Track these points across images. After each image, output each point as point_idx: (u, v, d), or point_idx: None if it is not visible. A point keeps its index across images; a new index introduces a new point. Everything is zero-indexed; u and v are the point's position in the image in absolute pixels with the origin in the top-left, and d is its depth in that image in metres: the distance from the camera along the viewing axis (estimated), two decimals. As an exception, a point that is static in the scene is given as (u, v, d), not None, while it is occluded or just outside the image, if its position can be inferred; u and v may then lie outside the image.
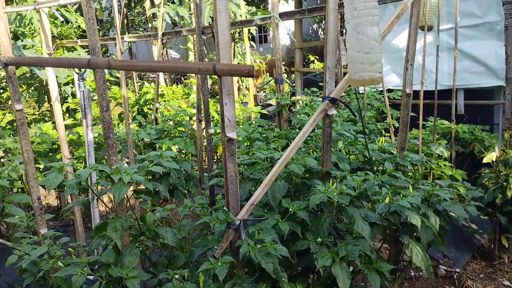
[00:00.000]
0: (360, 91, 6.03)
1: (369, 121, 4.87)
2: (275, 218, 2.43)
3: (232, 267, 2.35)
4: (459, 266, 4.78)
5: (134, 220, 2.84)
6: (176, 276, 2.38)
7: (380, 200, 2.53)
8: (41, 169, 5.04)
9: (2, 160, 4.74)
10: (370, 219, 2.52)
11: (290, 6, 13.43)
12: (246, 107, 7.17)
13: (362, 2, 2.18)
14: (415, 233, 2.89)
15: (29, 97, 6.56)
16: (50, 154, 5.10)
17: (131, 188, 3.00)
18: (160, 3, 5.32)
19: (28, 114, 6.58)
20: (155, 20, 7.57)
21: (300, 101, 5.46)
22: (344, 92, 5.40)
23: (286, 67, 14.62)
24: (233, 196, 2.32)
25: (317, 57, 13.26)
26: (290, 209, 2.43)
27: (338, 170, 2.84)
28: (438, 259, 4.92)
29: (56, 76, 5.61)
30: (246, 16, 6.50)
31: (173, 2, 6.54)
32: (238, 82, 10.91)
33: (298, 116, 3.86)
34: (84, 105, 3.83)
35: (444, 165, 4.68)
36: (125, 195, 2.71)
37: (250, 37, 13.72)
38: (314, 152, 3.05)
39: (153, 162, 2.89)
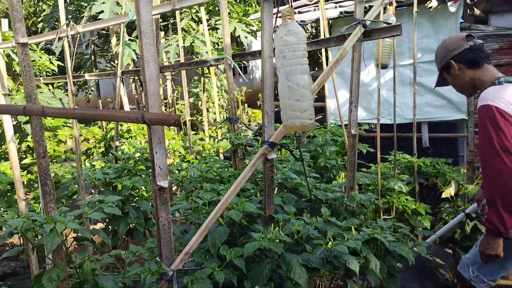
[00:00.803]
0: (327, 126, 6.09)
1: (331, 156, 4.89)
2: (212, 266, 2.38)
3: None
4: (422, 303, 4.74)
5: (73, 268, 2.75)
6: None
7: (322, 245, 2.51)
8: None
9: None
10: (311, 264, 2.49)
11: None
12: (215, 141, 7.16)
13: (291, 52, 2.21)
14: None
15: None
16: (8, 194, 4.99)
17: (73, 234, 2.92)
18: (119, 42, 5.37)
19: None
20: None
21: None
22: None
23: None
24: (166, 246, 2.27)
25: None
26: (228, 256, 2.39)
27: (283, 212, 2.82)
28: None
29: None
30: (212, 53, 6.58)
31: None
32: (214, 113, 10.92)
33: (253, 155, 3.86)
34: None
35: (406, 199, 4.70)
36: (64, 243, 2.65)
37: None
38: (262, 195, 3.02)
39: (94, 208, 2.83)
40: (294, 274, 2.32)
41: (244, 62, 11.63)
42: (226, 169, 3.78)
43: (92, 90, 13.75)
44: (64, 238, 2.64)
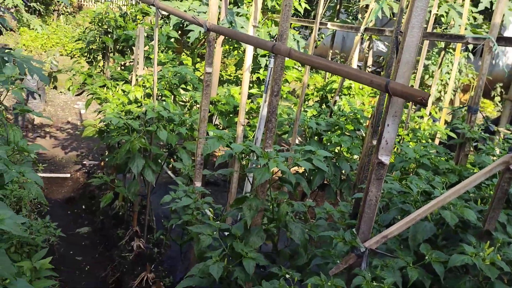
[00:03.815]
0: None
1: None
2: (407, 260, 2.19)
3: (344, 292, 2.22)
4: None
5: (270, 205, 2.90)
6: (287, 276, 2.37)
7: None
8: (219, 126, 5.52)
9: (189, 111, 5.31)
10: (521, 304, 2.09)
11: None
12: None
13: None
14: None
15: (224, 57, 7.14)
16: (231, 115, 5.52)
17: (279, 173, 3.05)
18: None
19: (225, 75, 7.22)
20: (366, 10, 7.42)
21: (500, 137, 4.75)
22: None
23: (503, 90, 12.87)
24: (366, 221, 2.16)
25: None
26: (427, 257, 2.16)
27: (505, 233, 2.41)
28: None
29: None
30: (466, 28, 5.86)
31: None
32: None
33: (483, 154, 3.37)
34: (268, 81, 4.00)
35: None
36: (269, 179, 2.78)
37: (464, 48, 12.43)
38: (482, 204, 2.63)
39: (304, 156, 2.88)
40: (500, 308, 1.97)
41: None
42: (445, 160, 3.40)
43: (322, 38, 14.01)
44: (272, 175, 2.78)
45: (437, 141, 5.90)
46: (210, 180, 6.86)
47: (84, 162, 7.46)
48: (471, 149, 3.48)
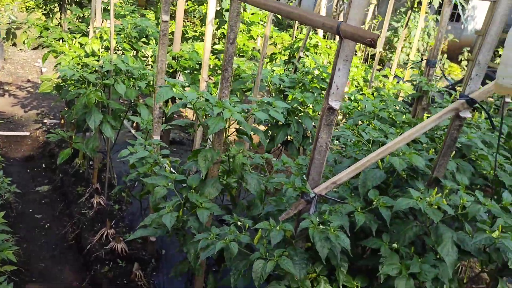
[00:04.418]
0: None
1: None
2: (355, 205, 2.22)
3: (293, 237, 2.25)
4: None
5: (227, 156, 2.87)
6: (239, 223, 2.37)
7: (487, 232, 2.13)
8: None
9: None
10: (465, 246, 2.16)
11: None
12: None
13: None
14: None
15: (193, 16, 6.98)
16: (195, 72, 5.40)
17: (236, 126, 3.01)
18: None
19: (191, 31, 7.01)
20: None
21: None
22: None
23: (470, 54, 13.04)
24: (316, 167, 2.16)
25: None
26: (375, 202, 2.20)
27: (453, 181, 2.46)
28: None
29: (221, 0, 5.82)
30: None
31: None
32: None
33: (437, 108, 3.41)
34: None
35: None
36: (226, 130, 2.74)
37: (434, 12, 12.43)
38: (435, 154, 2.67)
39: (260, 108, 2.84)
40: (443, 250, 2.03)
41: (461, 3, 10.14)
42: (402, 114, 3.43)
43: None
44: (228, 126, 2.73)
45: (401, 100, 5.96)
46: (176, 139, 6.78)
47: (45, 121, 7.23)
48: (429, 102, 3.51)
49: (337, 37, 1.94)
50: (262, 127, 5.82)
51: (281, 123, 4.86)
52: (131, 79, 4.39)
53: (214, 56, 5.57)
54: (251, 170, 2.98)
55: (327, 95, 2.03)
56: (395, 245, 2.17)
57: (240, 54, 6.12)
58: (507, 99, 4.54)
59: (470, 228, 2.28)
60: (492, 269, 2.67)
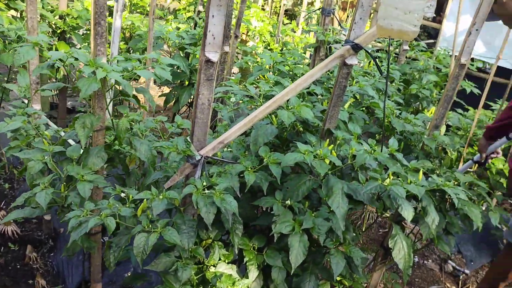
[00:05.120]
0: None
1: (426, 85, 4.23)
2: (246, 165, 2.09)
3: (184, 204, 2.08)
4: (471, 267, 4.31)
5: (111, 122, 2.60)
6: (122, 195, 2.16)
7: (378, 180, 2.11)
8: (77, 45, 4.91)
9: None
10: (357, 196, 2.13)
11: None
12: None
13: None
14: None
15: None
16: (88, 32, 4.92)
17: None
18: None
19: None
20: None
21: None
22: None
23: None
24: (201, 127, 1.98)
25: None
26: (265, 160, 2.08)
27: (347, 131, 2.41)
28: (450, 252, 4.45)
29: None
30: None
31: None
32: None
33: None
34: (119, -12, 3.54)
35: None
36: (104, 91, 2.45)
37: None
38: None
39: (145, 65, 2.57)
40: (333, 202, 1.97)
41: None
42: (301, 66, 3.33)
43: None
44: (109, 87, 2.44)
45: (308, 54, 5.91)
46: (75, 108, 6.26)
47: None
48: (327, 53, 3.43)
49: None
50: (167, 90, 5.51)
51: (187, 83, 4.62)
52: (8, 42, 3.88)
53: (108, 13, 5.10)
54: (145, 134, 2.74)
55: (203, 46, 1.83)
56: (288, 201, 2.08)
57: (137, 11, 5.68)
58: (405, 47, 4.63)
59: (364, 178, 2.25)
60: (392, 214, 2.72)
